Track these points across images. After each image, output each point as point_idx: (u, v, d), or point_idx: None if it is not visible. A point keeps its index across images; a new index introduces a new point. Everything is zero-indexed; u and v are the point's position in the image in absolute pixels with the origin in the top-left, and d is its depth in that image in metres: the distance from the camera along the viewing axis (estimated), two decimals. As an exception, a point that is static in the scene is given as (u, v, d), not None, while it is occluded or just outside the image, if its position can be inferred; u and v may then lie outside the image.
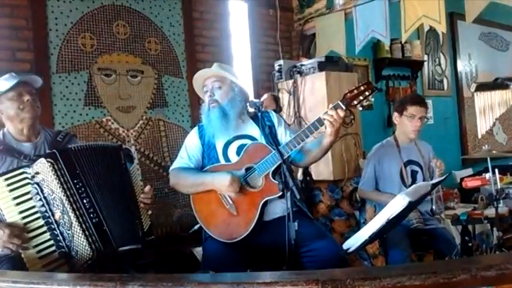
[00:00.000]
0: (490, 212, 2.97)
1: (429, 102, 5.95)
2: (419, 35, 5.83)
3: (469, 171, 5.74)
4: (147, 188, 2.22)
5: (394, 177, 2.92)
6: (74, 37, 3.47)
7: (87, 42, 3.53)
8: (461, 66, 6.44)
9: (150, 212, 2.27)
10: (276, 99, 4.02)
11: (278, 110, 3.99)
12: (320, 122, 2.16)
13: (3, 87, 2.13)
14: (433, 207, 2.86)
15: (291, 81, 4.28)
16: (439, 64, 6.20)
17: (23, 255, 1.90)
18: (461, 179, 2.95)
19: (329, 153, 3.93)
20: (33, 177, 1.95)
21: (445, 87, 6.27)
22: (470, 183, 2.74)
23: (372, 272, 1.19)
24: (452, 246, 2.65)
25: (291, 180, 1.91)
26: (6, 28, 3.16)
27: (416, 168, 2.97)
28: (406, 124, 2.91)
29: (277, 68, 4.43)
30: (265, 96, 4.04)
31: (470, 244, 2.37)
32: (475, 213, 2.66)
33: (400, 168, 2.92)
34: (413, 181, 2.90)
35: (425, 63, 5.90)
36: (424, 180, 2.84)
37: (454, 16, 6.06)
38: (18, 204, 1.93)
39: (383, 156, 2.99)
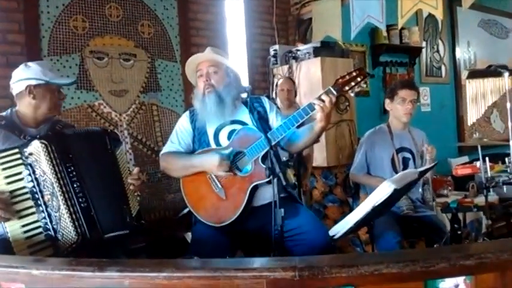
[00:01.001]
0: (481, 200, 2.97)
1: (427, 89, 5.94)
2: (418, 21, 5.77)
3: (465, 158, 5.74)
4: (135, 170, 2.20)
5: (385, 163, 2.91)
6: (66, 19, 3.42)
7: (79, 24, 3.49)
8: (460, 53, 6.39)
9: (138, 194, 2.26)
10: (294, 83, 3.91)
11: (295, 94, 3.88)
12: (310, 107, 2.15)
13: (50, 76, 2.15)
14: (423, 194, 2.87)
15: (286, 67, 4.25)
16: (438, 51, 6.15)
17: (9, 235, 1.90)
18: (456, 167, 2.96)
19: (323, 139, 3.96)
20: (26, 157, 1.95)
21: (443, 74, 6.23)
22: (460, 171, 2.73)
23: (349, 260, 1.19)
24: (443, 234, 2.65)
25: (277, 166, 1.90)
26: (-4, 10, 3.12)
27: (408, 155, 2.96)
28: (398, 108, 2.91)
29: (272, 53, 4.40)
30: (283, 79, 3.95)
31: (459, 232, 2.37)
32: (465, 201, 2.66)
33: (392, 155, 2.91)
34: (405, 168, 2.88)
35: (424, 50, 5.85)
36: (416, 168, 2.83)
37: (453, 2, 6.00)
38: (9, 183, 1.93)
39: (375, 142, 2.98)
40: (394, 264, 1.12)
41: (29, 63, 2.19)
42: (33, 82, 2.13)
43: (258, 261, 1.19)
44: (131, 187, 2.17)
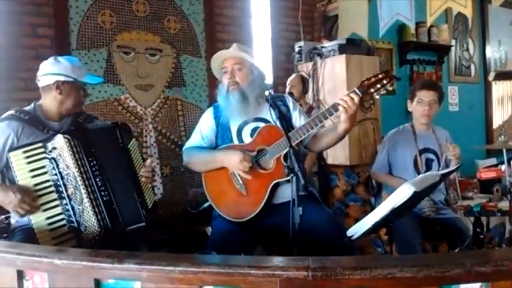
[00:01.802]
0: (505, 204, 2.89)
1: (455, 88, 5.82)
2: (447, 18, 5.66)
3: (493, 160, 5.61)
4: (148, 161, 2.24)
5: (408, 164, 2.87)
6: (94, 14, 3.49)
7: (107, 19, 3.55)
8: (490, 52, 6.24)
9: (153, 186, 2.29)
10: (304, 80, 3.96)
11: (304, 91, 3.93)
12: (334, 108, 2.14)
13: (78, 74, 2.20)
14: (448, 196, 2.83)
15: (310, 64, 4.23)
16: (467, 49, 6.02)
17: (34, 226, 1.97)
18: (482, 170, 2.89)
19: (346, 137, 3.91)
20: (50, 151, 2.01)
21: (472, 73, 6.10)
22: (484, 175, 2.68)
23: (363, 262, 1.19)
24: (465, 237, 2.60)
25: (296, 165, 1.91)
26: (27, 4, 3.21)
27: (432, 156, 2.90)
28: (417, 109, 2.87)
29: (297, 49, 4.38)
30: (293, 76, 3.99)
31: (481, 236, 2.32)
32: (489, 205, 2.59)
33: (415, 155, 2.87)
34: (428, 169, 2.84)
35: (453, 48, 5.74)
36: (439, 170, 2.79)
37: (484, 0, 5.85)
38: (34, 176, 1.99)
39: (398, 142, 2.94)
40: (408, 268, 1.11)
41: (59, 58, 2.22)
42: (62, 78, 2.16)
43: (271, 260, 1.20)
44: (143, 179, 2.21)
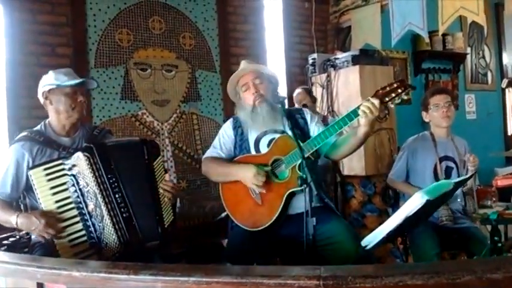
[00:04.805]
0: (523, 212, 2.84)
1: (472, 96, 5.78)
2: (462, 26, 5.63)
3: (513, 168, 5.52)
4: (166, 175, 2.25)
5: (427, 172, 2.85)
6: (112, 33, 3.60)
7: (124, 37, 3.65)
8: (507, 59, 6.18)
9: (173, 202, 2.29)
10: (309, 92, 3.99)
11: (312, 101, 3.96)
12: (350, 117, 2.15)
13: (62, 80, 2.20)
14: (465, 205, 2.80)
15: (324, 75, 4.25)
16: (483, 57, 5.97)
17: (56, 242, 2.01)
18: (500, 178, 2.85)
19: (362, 148, 3.92)
20: (70, 169, 2.03)
21: (489, 80, 6.04)
22: (500, 182, 2.64)
23: (373, 270, 1.19)
24: (483, 246, 2.56)
25: (309, 175, 1.92)
26: (47, 24, 3.33)
27: (452, 164, 2.88)
28: (435, 116, 2.85)
29: (310, 61, 4.42)
30: (297, 91, 4.02)
31: (500, 245, 2.29)
32: (506, 213, 2.54)
33: (435, 163, 2.84)
34: (447, 178, 2.81)
35: (468, 56, 5.71)
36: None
37: (499, 7, 5.82)
38: (54, 194, 2.02)
39: (418, 149, 2.92)
40: (419, 275, 1.11)
41: (49, 72, 2.25)
42: (47, 88, 2.20)
43: (283, 269, 1.22)
44: (161, 190, 2.20)
